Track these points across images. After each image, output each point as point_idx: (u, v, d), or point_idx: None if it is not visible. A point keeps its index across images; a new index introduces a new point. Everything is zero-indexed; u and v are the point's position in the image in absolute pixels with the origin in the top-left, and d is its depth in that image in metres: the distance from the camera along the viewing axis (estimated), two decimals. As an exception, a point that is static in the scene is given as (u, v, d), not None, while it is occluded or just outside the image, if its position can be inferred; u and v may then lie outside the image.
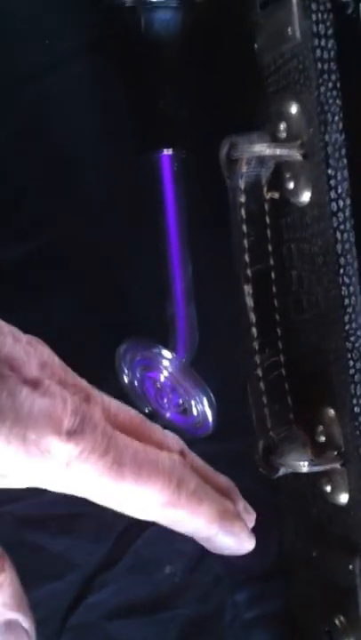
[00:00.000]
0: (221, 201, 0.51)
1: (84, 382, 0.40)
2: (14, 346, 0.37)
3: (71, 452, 0.37)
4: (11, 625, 0.40)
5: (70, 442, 0.36)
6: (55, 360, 0.39)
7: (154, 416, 0.53)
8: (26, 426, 0.35)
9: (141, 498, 0.39)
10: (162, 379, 0.52)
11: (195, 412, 0.52)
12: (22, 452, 0.36)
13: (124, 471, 0.38)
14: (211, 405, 0.52)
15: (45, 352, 0.38)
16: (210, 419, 0.52)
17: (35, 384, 0.36)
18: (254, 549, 0.57)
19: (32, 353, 0.37)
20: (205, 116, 0.54)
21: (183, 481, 0.40)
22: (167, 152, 0.52)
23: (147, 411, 0.53)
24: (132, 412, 0.42)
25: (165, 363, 0.52)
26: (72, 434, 0.37)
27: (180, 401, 0.53)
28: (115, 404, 0.41)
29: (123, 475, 0.38)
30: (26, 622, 0.40)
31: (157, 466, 0.40)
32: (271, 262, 0.52)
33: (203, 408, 0.52)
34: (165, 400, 0.53)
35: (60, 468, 0.37)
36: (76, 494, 0.39)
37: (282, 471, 0.51)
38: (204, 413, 0.52)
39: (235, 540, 0.43)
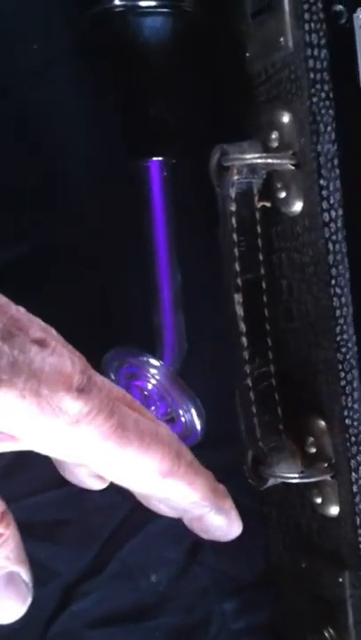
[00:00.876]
0: (212, 208, 0.51)
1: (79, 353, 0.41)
2: (17, 310, 0.38)
3: (81, 410, 0.37)
4: (12, 577, 0.41)
5: (80, 399, 0.37)
6: (52, 329, 0.39)
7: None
8: (39, 381, 0.36)
9: (143, 466, 0.40)
10: (149, 387, 0.52)
11: (182, 421, 0.52)
12: (35, 408, 0.36)
13: (129, 436, 0.39)
14: (199, 414, 0.51)
15: (42, 321, 0.39)
16: (198, 428, 0.51)
17: (42, 343, 0.37)
18: (242, 559, 0.58)
19: (32, 319, 0.38)
20: (196, 124, 0.54)
21: (181, 452, 0.41)
22: (157, 159, 0.52)
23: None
24: (123, 390, 0.42)
25: (153, 371, 0.52)
26: (82, 391, 0.37)
27: (168, 410, 0.52)
28: (107, 380, 0.41)
29: (128, 439, 0.39)
30: (26, 575, 0.41)
31: (157, 435, 0.40)
32: (262, 271, 0.52)
33: (190, 417, 0.51)
34: (153, 408, 0.52)
35: (68, 426, 0.37)
36: (78, 461, 0.39)
37: (271, 482, 0.51)
38: (191, 422, 0.51)
39: (226, 520, 0.43)
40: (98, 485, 0.44)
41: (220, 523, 0.43)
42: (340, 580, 0.50)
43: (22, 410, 0.36)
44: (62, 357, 0.37)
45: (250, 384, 0.51)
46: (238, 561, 0.58)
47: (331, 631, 0.51)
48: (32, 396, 0.36)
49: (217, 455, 0.54)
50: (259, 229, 0.51)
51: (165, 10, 0.50)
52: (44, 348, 0.37)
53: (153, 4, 0.50)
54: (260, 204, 0.51)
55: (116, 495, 0.50)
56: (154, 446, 0.40)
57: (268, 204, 0.51)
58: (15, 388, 0.36)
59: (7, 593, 0.41)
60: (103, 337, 0.53)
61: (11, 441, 0.38)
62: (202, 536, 0.44)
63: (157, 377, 0.51)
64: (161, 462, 0.40)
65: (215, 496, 0.42)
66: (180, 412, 0.51)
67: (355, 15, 0.49)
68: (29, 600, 0.42)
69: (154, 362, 0.52)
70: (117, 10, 0.50)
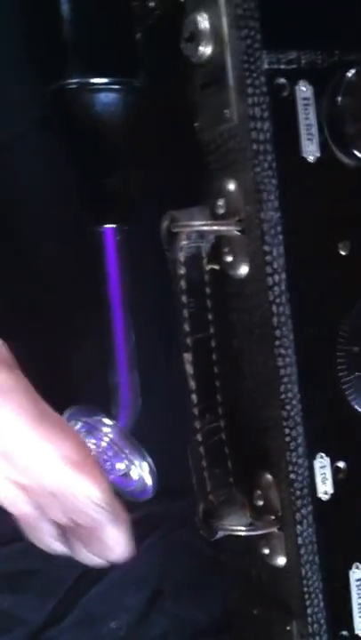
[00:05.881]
0: (166, 271, 0.53)
1: None
2: None
3: (7, 380, 0.42)
4: None
5: (5, 372, 0.42)
6: None
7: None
8: None
9: (53, 450, 0.42)
10: (103, 445, 0.53)
11: (135, 478, 0.53)
12: None
13: (45, 417, 0.43)
14: (150, 472, 0.53)
15: None
16: (149, 484, 0.53)
17: None
18: (200, 605, 0.59)
19: None
20: (149, 191, 0.55)
21: (88, 453, 0.44)
22: (110, 225, 0.54)
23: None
24: None
25: (106, 430, 0.53)
26: (10, 366, 0.42)
27: (123, 466, 0.54)
28: None
29: (43, 418, 0.43)
30: None
31: (68, 427, 0.45)
32: (211, 331, 0.53)
33: (142, 474, 0.53)
34: (108, 464, 0.54)
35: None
36: None
37: (220, 534, 0.52)
38: (143, 479, 0.53)
39: (120, 534, 0.44)
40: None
41: (117, 537, 0.44)
42: (288, 628, 0.52)
43: None
44: None
45: (200, 439, 0.52)
46: (197, 607, 0.59)
47: None
48: None
49: (174, 505, 0.56)
50: (208, 291, 0.53)
51: (117, 87, 0.53)
52: None
53: (105, 81, 0.52)
54: (208, 267, 0.53)
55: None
56: (67, 433, 0.43)
57: (216, 267, 0.53)
58: None
59: None
60: (59, 397, 0.54)
61: None
62: (98, 557, 0.46)
63: (110, 435, 0.53)
64: (71, 451, 0.43)
65: (114, 502, 0.44)
66: (133, 468, 0.53)
67: (297, 87, 0.51)
68: None
69: (107, 421, 0.53)
70: (71, 87, 0.52)
